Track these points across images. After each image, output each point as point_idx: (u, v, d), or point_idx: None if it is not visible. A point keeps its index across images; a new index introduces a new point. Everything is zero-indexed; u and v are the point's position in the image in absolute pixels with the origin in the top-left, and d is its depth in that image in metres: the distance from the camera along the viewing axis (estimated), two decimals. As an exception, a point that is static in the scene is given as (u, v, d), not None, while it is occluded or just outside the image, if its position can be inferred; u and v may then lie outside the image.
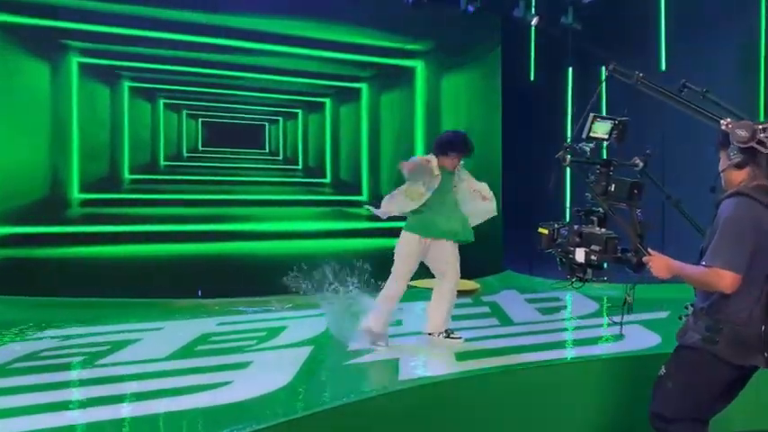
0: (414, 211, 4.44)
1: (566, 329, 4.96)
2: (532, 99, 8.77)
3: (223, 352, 4.34)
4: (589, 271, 2.46)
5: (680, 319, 2.55)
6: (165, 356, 4.23)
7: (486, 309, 5.84)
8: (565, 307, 6.07)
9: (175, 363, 4.08)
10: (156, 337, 4.88)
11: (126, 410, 3.20)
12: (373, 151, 7.90)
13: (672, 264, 2.37)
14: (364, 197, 7.89)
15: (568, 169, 8.56)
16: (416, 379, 3.49)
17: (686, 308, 2.53)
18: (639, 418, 3.76)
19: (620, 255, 2.41)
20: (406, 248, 4.41)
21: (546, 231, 2.53)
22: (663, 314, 5.42)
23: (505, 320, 5.28)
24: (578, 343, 4.46)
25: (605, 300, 6.40)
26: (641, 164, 2.65)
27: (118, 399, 3.35)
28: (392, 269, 4.44)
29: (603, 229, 2.47)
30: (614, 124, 2.58)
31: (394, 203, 4.52)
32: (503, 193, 8.59)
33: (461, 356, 4.03)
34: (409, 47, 7.98)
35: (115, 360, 4.16)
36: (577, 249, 2.43)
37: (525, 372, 3.64)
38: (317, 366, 3.91)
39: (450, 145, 4.43)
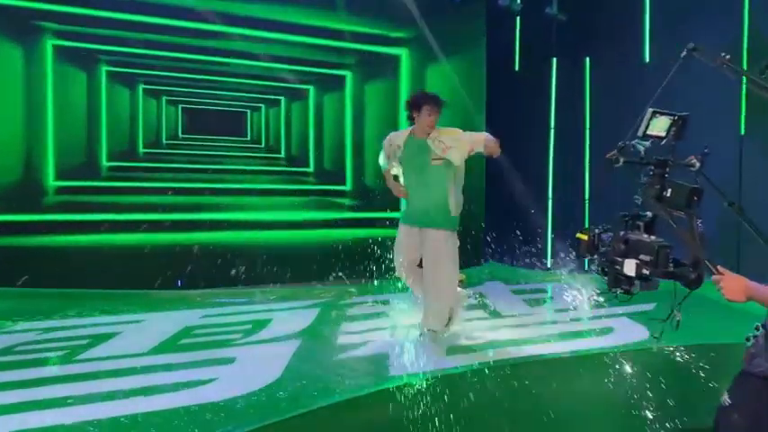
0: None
1: (554, 322, 4.93)
2: (517, 89, 8.74)
3: (207, 346, 4.23)
4: (637, 283, 2.14)
5: (747, 341, 2.29)
6: (147, 351, 4.12)
7: (472, 300, 5.78)
8: (551, 298, 6.06)
9: (157, 358, 3.96)
10: (137, 331, 4.74)
11: (106, 410, 3.08)
12: (357, 140, 7.79)
13: (749, 285, 2.09)
14: (348, 187, 7.80)
15: (552, 161, 8.49)
16: (408, 375, 3.43)
17: (756, 329, 2.25)
18: (629, 413, 3.75)
19: (673, 268, 2.10)
20: (397, 237, 4.35)
21: (585, 237, 2.23)
22: (649, 306, 5.42)
23: (493, 313, 5.25)
24: (568, 336, 4.43)
25: (584, 290, 6.41)
26: (698, 164, 2.33)
27: (97, 397, 3.23)
28: None
29: (653, 237, 2.16)
30: (673, 120, 2.29)
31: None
32: (486, 183, 8.58)
33: (452, 351, 3.99)
34: (393, 34, 7.87)
35: (94, 355, 4.03)
36: (626, 261, 2.12)
37: (517, 367, 3.60)
38: (305, 362, 3.82)
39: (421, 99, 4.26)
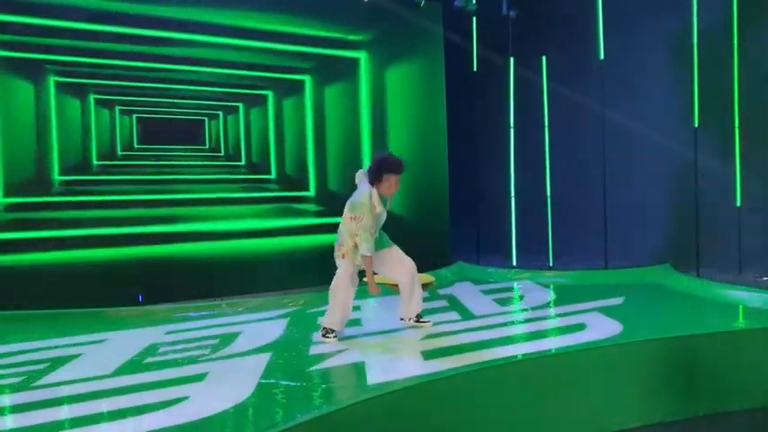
0: None
1: (527, 321, 4.91)
2: (476, 89, 8.77)
3: (175, 364, 4.06)
4: None
5: None
6: (111, 372, 3.92)
7: (444, 302, 5.76)
8: (521, 297, 6.06)
9: (123, 379, 3.77)
10: (99, 351, 4.53)
11: (72, 438, 2.91)
12: (319, 144, 7.70)
13: None
14: (311, 192, 7.69)
15: (513, 159, 8.55)
16: (387, 383, 3.34)
17: None
18: (611, 408, 3.76)
19: None
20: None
21: None
22: (618, 300, 5.49)
23: (466, 314, 5.21)
24: (543, 335, 4.42)
25: (551, 287, 6.46)
26: None
27: (60, 425, 3.05)
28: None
29: None
30: None
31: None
32: (450, 184, 8.59)
33: (428, 355, 3.92)
34: (351, 37, 7.80)
35: (55, 380, 3.81)
36: None
37: (495, 369, 3.55)
38: (279, 375, 3.70)
39: (394, 166, 4.44)
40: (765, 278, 6.27)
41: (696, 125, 6.91)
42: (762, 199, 6.61)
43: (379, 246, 4.55)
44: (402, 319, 4.81)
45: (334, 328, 4.50)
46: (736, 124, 6.62)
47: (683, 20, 7.09)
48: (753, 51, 6.62)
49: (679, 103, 7.30)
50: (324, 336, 4.49)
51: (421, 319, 4.76)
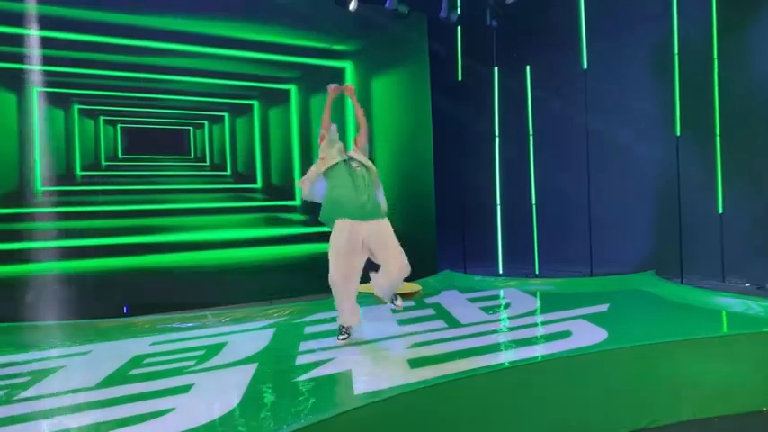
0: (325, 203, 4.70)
1: (513, 329, 4.93)
2: (461, 98, 8.84)
3: (160, 375, 4.03)
4: None
5: None
6: (96, 384, 3.88)
7: (430, 311, 5.76)
8: (507, 305, 6.08)
9: (108, 391, 3.74)
10: (83, 363, 4.48)
11: (56, 451, 2.88)
12: (305, 154, 7.69)
13: None
14: (297, 202, 7.68)
15: (498, 168, 8.61)
16: (373, 392, 3.34)
17: None
18: (597, 415, 3.78)
19: None
20: (336, 239, 4.56)
21: None
22: (603, 307, 5.53)
23: (452, 322, 5.22)
24: (529, 342, 4.43)
25: (537, 294, 6.49)
26: None
27: (45, 438, 3.02)
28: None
29: None
30: None
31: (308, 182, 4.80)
32: (435, 193, 8.62)
33: (414, 363, 3.92)
34: (336, 47, 7.83)
35: (37, 392, 3.77)
36: None
37: (482, 377, 3.56)
38: (265, 385, 3.68)
39: None
40: (747, 284, 6.35)
41: (678, 133, 7.00)
42: (743, 206, 6.71)
43: (369, 215, 4.58)
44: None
45: (343, 324, 4.64)
46: (717, 132, 6.72)
47: (665, 29, 7.19)
48: (733, 60, 6.72)
49: (661, 112, 7.40)
50: (338, 336, 4.67)
51: (395, 302, 4.78)
